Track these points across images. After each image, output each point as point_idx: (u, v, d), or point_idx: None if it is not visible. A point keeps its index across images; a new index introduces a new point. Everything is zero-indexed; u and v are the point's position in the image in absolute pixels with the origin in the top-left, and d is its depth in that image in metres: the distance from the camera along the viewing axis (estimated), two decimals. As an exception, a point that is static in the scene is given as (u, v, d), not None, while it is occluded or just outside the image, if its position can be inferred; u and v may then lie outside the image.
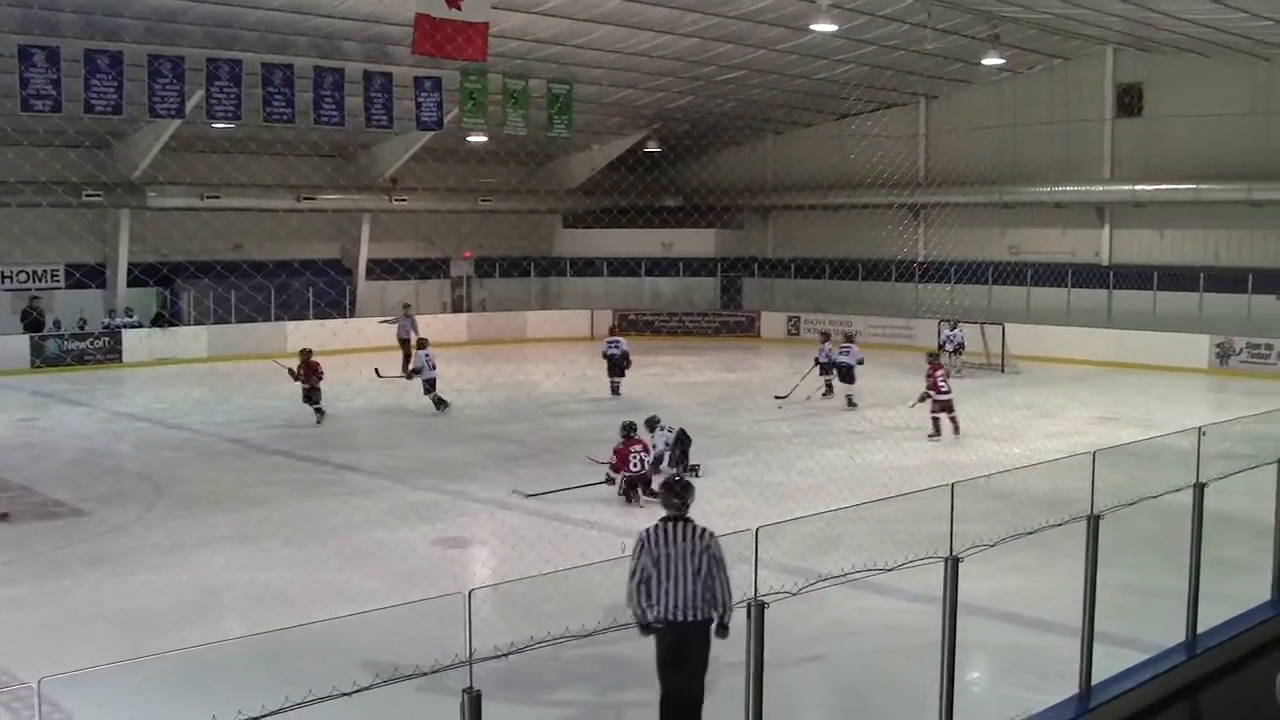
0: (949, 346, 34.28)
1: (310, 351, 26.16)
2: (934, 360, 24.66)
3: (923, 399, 24.11)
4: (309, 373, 25.76)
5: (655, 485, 15.07)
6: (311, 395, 25.87)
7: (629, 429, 18.79)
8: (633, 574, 8.90)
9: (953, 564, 8.73)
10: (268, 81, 30.64)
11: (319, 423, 25.52)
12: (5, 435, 25.24)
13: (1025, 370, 34.23)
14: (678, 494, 9.17)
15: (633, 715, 10.56)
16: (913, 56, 35.34)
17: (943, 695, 8.74)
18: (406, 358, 32.57)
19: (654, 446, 19.12)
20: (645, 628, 8.84)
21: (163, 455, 23.02)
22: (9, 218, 34.84)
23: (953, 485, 8.95)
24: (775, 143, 48.10)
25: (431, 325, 41.52)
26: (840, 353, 28.28)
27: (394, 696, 6.41)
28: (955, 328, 34.58)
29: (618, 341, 30.62)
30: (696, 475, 18.80)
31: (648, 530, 9.02)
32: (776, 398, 28.39)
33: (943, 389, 23.84)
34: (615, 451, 18.65)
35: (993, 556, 9.41)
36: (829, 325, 36.48)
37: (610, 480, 18.65)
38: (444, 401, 27.49)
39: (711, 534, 8.90)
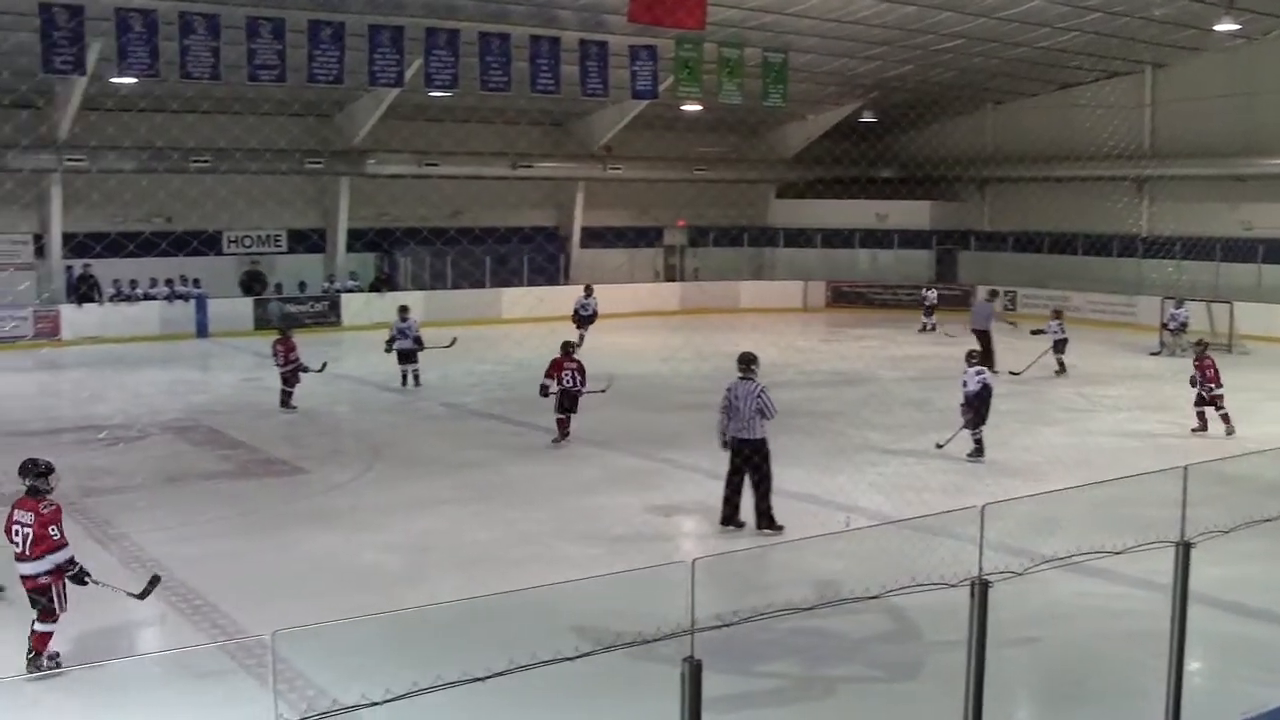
0: (1172, 325, 33.16)
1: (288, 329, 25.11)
2: (1204, 351, 21.89)
3: (1205, 399, 21.46)
4: (288, 352, 23.83)
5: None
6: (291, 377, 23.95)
7: (567, 347, 20.81)
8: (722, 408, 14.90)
9: (1184, 549, 8.40)
10: (485, 50, 31.05)
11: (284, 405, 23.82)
12: (231, 395, 26.15)
13: (1255, 350, 32.87)
14: (746, 363, 14.97)
15: (844, 690, 10.46)
16: (1139, 23, 34.20)
17: (1170, 684, 8.42)
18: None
19: (964, 384, 19.50)
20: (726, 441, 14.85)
21: (379, 417, 23.54)
22: (245, 184, 36.30)
23: (1185, 468, 8.62)
24: (995, 113, 46.98)
25: (642, 294, 41.89)
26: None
27: (602, 662, 6.40)
28: (1180, 305, 33.36)
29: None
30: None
31: (731, 383, 14.87)
32: (1012, 373, 27.73)
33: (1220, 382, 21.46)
34: (552, 363, 20.33)
35: (1220, 544, 9.03)
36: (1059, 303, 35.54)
37: (546, 392, 20.18)
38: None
39: (762, 386, 14.81)
